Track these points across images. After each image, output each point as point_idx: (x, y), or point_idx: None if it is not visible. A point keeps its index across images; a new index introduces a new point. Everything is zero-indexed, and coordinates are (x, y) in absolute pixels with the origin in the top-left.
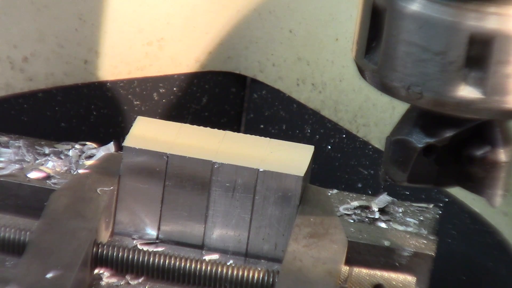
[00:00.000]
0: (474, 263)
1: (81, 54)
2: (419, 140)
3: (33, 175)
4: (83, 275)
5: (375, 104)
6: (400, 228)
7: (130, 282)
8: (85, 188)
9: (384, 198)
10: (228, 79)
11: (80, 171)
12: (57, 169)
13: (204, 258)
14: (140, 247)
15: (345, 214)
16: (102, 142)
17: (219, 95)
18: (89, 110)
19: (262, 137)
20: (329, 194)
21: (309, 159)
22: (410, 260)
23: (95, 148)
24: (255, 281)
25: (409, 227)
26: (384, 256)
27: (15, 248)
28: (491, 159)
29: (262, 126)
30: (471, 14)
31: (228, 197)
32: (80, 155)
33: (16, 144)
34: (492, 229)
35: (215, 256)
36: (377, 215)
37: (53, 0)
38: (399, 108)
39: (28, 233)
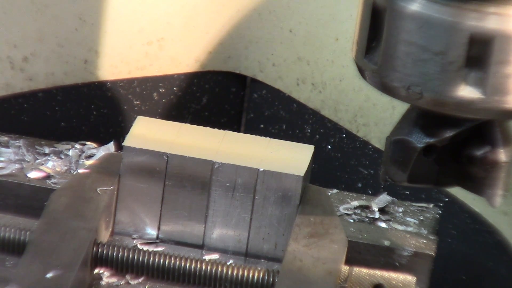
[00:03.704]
0: (474, 263)
1: (81, 54)
2: (419, 140)
3: (33, 174)
4: (83, 275)
5: (375, 104)
6: (400, 228)
7: (130, 282)
8: (85, 188)
9: (384, 198)
10: (228, 79)
11: (80, 170)
12: (57, 169)
13: (204, 258)
14: (140, 247)
15: (345, 214)
16: (102, 142)
17: (219, 95)
18: (89, 110)
19: (262, 137)
20: (329, 194)
21: (309, 159)
22: (410, 260)
23: (95, 148)
24: (255, 281)
25: (409, 227)
26: (384, 256)
27: (15, 248)
28: (491, 159)
29: (262, 126)
30: (471, 14)
31: (228, 197)
32: (80, 155)
33: (16, 144)
34: (492, 229)
35: (215, 256)
36: (377, 215)
37: (53, 0)
38: (399, 108)
39: (28, 233)
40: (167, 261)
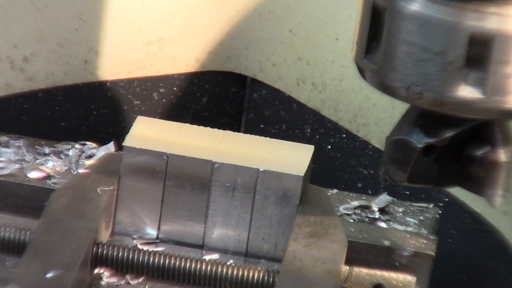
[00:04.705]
0: (474, 263)
1: (81, 54)
2: (419, 140)
3: (33, 174)
4: (83, 275)
5: (375, 104)
6: (400, 228)
7: (130, 282)
8: (85, 188)
9: (384, 198)
10: (228, 79)
11: (80, 171)
12: (57, 169)
13: (204, 258)
14: (140, 247)
15: (345, 214)
16: (102, 142)
17: (219, 95)
18: (89, 110)
19: (262, 137)
20: (329, 194)
21: (309, 159)
22: (410, 260)
23: (95, 148)
24: (255, 281)
25: (409, 226)
26: (384, 256)
27: (15, 248)
28: (491, 159)
29: (262, 126)
30: (471, 14)
31: (228, 197)
32: (80, 155)
33: (16, 144)
34: (492, 229)
35: (215, 256)
36: (377, 215)
37: (53, 0)
38: (399, 108)
39: (28, 233)
40: (167, 261)
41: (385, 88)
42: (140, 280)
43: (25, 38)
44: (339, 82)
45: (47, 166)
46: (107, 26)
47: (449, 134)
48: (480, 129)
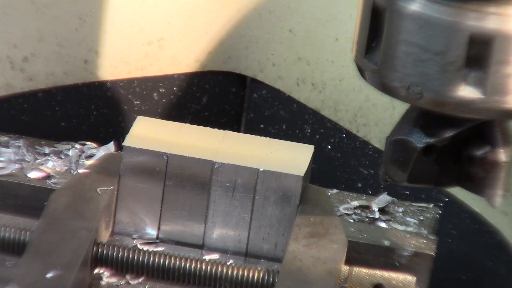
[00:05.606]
0: (474, 263)
1: (81, 54)
2: (419, 140)
3: (33, 174)
4: (83, 275)
5: (375, 104)
6: (400, 228)
7: (130, 282)
8: (85, 187)
9: (384, 198)
10: (228, 79)
11: (80, 170)
12: (57, 169)
13: (204, 258)
14: (140, 247)
15: (345, 214)
16: (102, 142)
17: (219, 95)
18: (89, 110)
19: (262, 137)
20: (329, 194)
21: (309, 159)
22: (410, 260)
23: (95, 148)
24: (255, 281)
25: (409, 226)
26: (384, 256)
27: (15, 248)
28: (491, 159)
29: (262, 126)
30: (471, 14)
31: (228, 197)
32: (80, 155)
33: (16, 144)
34: (492, 229)
35: (215, 256)
36: (377, 215)
37: (53, 0)
38: (399, 108)
39: (28, 233)
40: (167, 261)
41: (385, 88)
42: (140, 280)
43: (25, 38)
44: (339, 82)
45: (47, 166)
46: (107, 26)
47: (449, 134)
48: (480, 129)
